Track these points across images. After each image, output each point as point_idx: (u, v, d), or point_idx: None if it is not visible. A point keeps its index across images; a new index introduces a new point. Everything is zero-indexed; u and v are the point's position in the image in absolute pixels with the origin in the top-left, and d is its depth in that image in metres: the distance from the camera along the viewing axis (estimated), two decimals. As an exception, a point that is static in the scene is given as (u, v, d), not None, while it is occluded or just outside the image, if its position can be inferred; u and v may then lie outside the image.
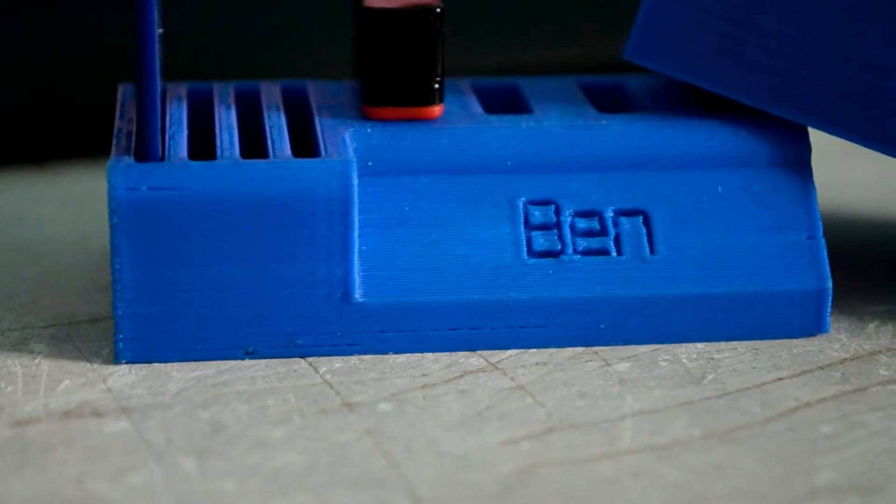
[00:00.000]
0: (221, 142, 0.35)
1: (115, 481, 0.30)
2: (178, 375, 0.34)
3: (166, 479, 0.30)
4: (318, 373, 0.34)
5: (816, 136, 0.37)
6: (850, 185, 0.44)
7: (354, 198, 0.34)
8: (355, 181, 0.34)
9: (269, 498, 0.30)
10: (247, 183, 0.34)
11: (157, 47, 0.34)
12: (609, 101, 0.38)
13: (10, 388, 0.33)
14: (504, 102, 0.38)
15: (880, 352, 0.36)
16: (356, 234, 0.34)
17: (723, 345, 0.36)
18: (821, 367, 0.35)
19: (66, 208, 0.43)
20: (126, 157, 0.34)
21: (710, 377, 0.34)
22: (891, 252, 0.41)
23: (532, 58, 0.49)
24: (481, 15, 0.49)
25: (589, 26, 0.48)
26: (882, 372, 0.35)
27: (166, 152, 0.34)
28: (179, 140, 0.35)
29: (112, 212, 0.33)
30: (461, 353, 0.35)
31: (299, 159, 0.34)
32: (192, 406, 0.33)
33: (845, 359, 0.35)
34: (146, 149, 0.34)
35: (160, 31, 0.36)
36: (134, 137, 0.35)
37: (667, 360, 0.35)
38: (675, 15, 0.36)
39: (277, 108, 0.37)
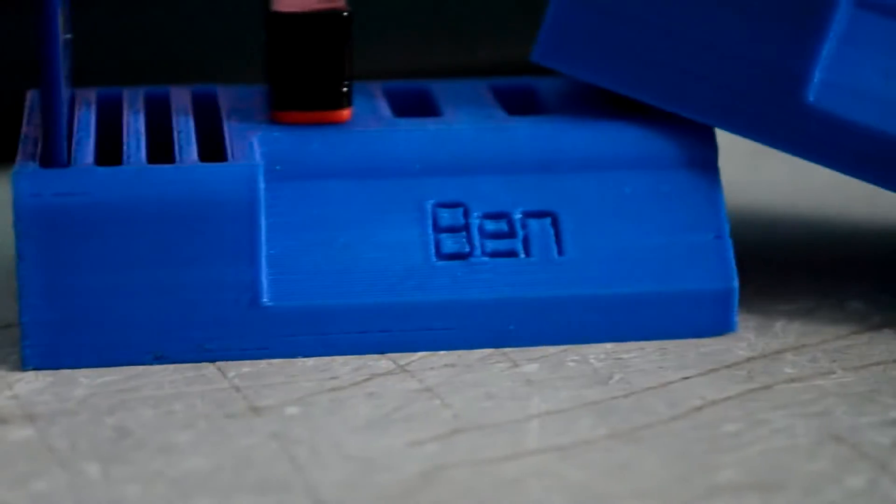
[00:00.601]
0: (128, 147, 0.35)
1: (17, 488, 0.30)
2: (86, 381, 0.34)
3: (69, 484, 0.30)
4: (226, 377, 0.34)
5: (725, 137, 0.37)
6: (759, 185, 0.44)
7: (261, 202, 0.34)
8: (262, 185, 0.34)
9: (171, 503, 0.29)
10: (152, 188, 0.34)
11: (63, 53, 0.34)
12: (519, 104, 0.38)
13: (-85, 396, 0.34)
14: (414, 106, 0.38)
15: (786, 350, 0.36)
16: (263, 238, 0.34)
17: (631, 345, 0.36)
18: (727, 366, 0.35)
19: None
20: (31, 164, 0.34)
21: (617, 377, 0.34)
22: (799, 252, 0.41)
23: (445, 61, 0.49)
24: (393, 17, 0.49)
25: (502, 28, 0.48)
26: (787, 370, 0.35)
27: (72, 158, 0.34)
28: (86, 146, 0.35)
29: (17, 218, 0.33)
30: (370, 356, 0.35)
31: (205, 164, 0.34)
32: (99, 412, 0.33)
33: (752, 357, 0.35)
34: (51, 155, 0.34)
35: (68, 36, 0.36)
36: (40, 143, 0.34)
37: (575, 361, 0.35)
38: (582, 18, 0.36)
39: (186, 113, 0.37)
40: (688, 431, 0.32)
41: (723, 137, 0.37)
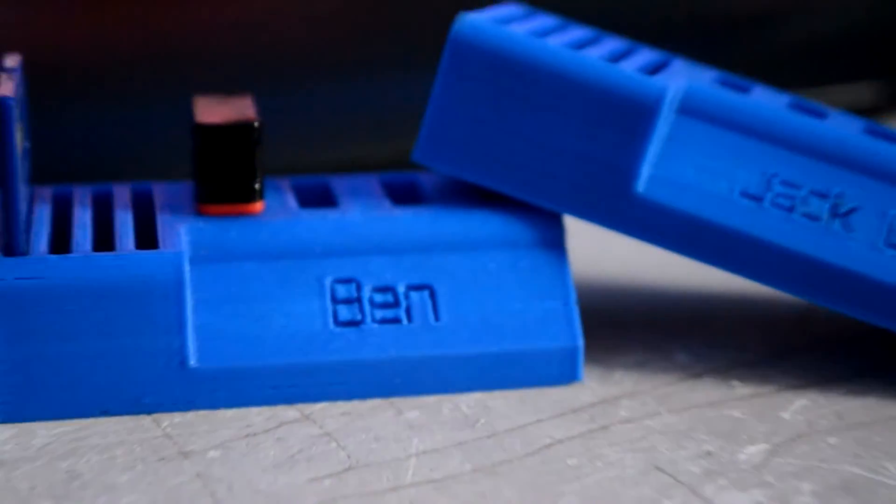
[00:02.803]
0: (76, 237, 0.35)
1: None
2: (43, 432, 0.34)
3: None
4: (160, 427, 0.35)
5: (574, 220, 0.37)
6: (603, 260, 0.44)
7: (186, 282, 0.35)
8: (187, 268, 0.35)
9: None
10: (96, 272, 0.34)
11: (22, 159, 0.34)
12: (404, 194, 0.39)
13: None
14: (317, 196, 0.39)
15: (623, 396, 0.36)
16: (190, 311, 0.35)
17: (497, 394, 0.36)
18: (573, 410, 0.36)
19: None
20: None
21: (482, 421, 0.35)
22: (634, 314, 0.41)
23: (344, 156, 0.50)
24: (300, 121, 0.50)
25: (389, 130, 0.49)
26: (622, 412, 0.36)
27: (30, 247, 0.35)
28: (41, 237, 0.35)
29: None
30: (280, 407, 0.35)
31: (139, 251, 0.35)
32: (54, 458, 0.33)
33: (594, 402, 0.36)
34: (12, 245, 0.34)
35: (26, 144, 0.36)
36: (3, 235, 0.35)
37: (449, 408, 0.36)
38: (452, 127, 0.37)
39: (126, 208, 0.37)
40: (538, 465, 0.33)
41: (573, 221, 0.37)
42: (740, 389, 0.37)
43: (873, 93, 0.61)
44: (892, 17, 0.61)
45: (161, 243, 0.35)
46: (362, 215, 0.37)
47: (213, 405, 0.35)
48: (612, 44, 0.39)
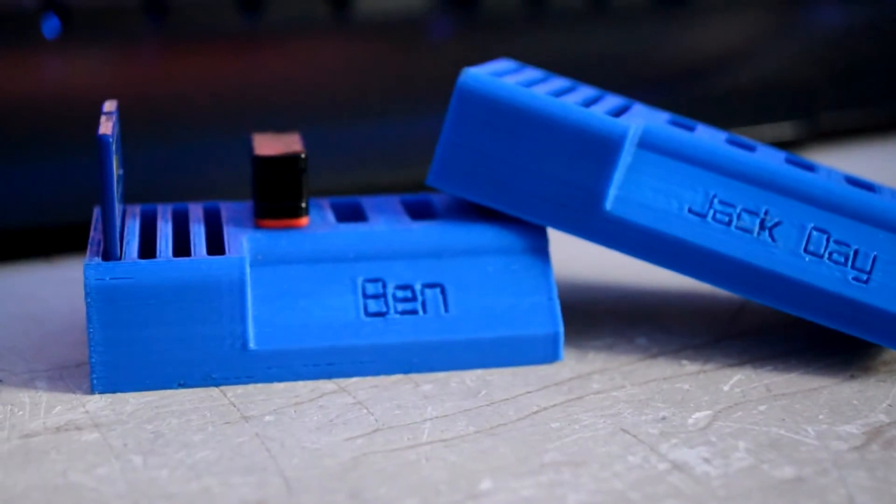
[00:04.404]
0: (160, 246, 0.36)
1: (87, 473, 0.31)
2: (133, 401, 0.34)
3: (122, 469, 0.31)
4: (226, 397, 0.35)
5: (556, 232, 0.37)
6: (580, 263, 0.44)
7: (247, 281, 0.35)
8: (248, 270, 0.35)
9: (188, 481, 0.30)
10: (176, 273, 0.34)
11: (117, 183, 0.34)
12: (420, 211, 0.39)
13: (20, 412, 0.34)
14: (350, 213, 0.39)
15: (595, 372, 0.36)
16: (249, 304, 0.35)
17: (494, 371, 0.36)
18: (555, 384, 0.35)
19: (63, 288, 0.42)
20: (96, 258, 0.34)
21: (483, 392, 0.35)
22: (605, 307, 0.41)
23: (372, 180, 0.49)
24: (337, 154, 0.49)
25: (409, 160, 0.49)
26: (594, 385, 0.35)
27: (123, 254, 0.35)
28: (132, 245, 0.35)
29: (86, 294, 0.34)
30: (321, 381, 0.35)
31: (210, 257, 0.35)
32: (141, 421, 0.33)
33: (571, 377, 0.36)
34: (109, 252, 0.34)
35: (120, 171, 0.36)
36: (101, 244, 0.35)
37: (456, 382, 0.36)
38: (459, 157, 0.37)
39: (199, 222, 0.37)
40: (527, 428, 0.33)
41: (555, 232, 0.37)
42: (689, 367, 0.37)
43: (794, 129, 0.61)
44: (810, 67, 0.61)
45: (227, 250, 0.35)
46: (387, 228, 0.37)
47: (268, 379, 0.35)
48: (585, 91, 0.39)
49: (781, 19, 0.61)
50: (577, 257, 0.44)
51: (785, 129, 0.61)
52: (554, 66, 0.46)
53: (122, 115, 0.39)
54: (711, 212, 0.36)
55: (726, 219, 0.36)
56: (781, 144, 0.60)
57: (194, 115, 0.48)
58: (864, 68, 0.63)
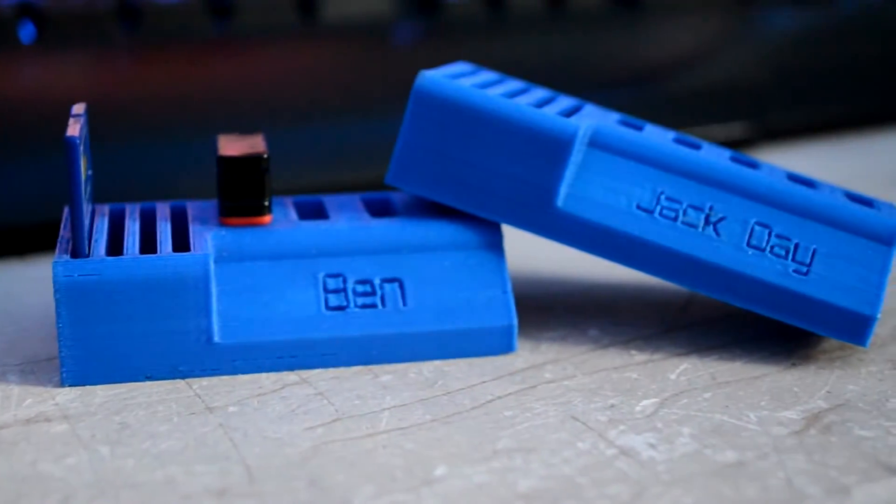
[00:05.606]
0: (127, 243, 0.36)
1: (56, 463, 0.31)
2: (102, 393, 0.34)
3: (89, 459, 0.31)
4: (191, 388, 0.35)
5: (509, 229, 0.37)
6: (535, 258, 0.44)
7: (212, 277, 0.35)
8: (212, 266, 0.35)
9: (153, 470, 0.30)
10: (143, 270, 0.34)
11: (85, 185, 0.34)
12: (379, 209, 0.39)
13: (-9, 405, 0.34)
14: (313, 211, 0.39)
15: (547, 363, 0.36)
16: (214, 299, 0.35)
17: (451, 362, 0.36)
18: (509, 374, 0.36)
19: (36, 285, 0.42)
20: (65, 255, 0.34)
21: (439, 382, 0.35)
22: (558, 300, 0.41)
23: (334, 180, 0.49)
24: (299, 154, 0.49)
25: (369, 159, 0.48)
26: (547, 375, 0.36)
27: (92, 251, 0.35)
28: (101, 243, 0.35)
29: (56, 290, 0.34)
30: (284, 373, 0.35)
31: (176, 254, 0.35)
32: (109, 413, 0.33)
33: (525, 368, 0.36)
34: (77, 249, 0.34)
35: (90, 172, 0.36)
36: (70, 242, 0.35)
37: (414, 373, 0.36)
38: (417, 156, 0.37)
39: (165, 220, 0.37)
40: (481, 416, 0.33)
41: (509, 228, 0.37)
42: (638, 357, 0.37)
43: (743, 129, 0.62)
44: (759, 69, 0.62)
45: (192, 248, 0.35)
46: (347, 225, 0.37)
47: (233, 372, 0.35)
48: (538, 93, 0.40)
49: (732, 23, 0.61)
50: (531, 253, 0.44)
51: (735, 129, 0.61)
52: (514, 68, 0.46)
53: (95, 118, 0.39)
54: (659, 208, 0.36)
55: (673, 214, 0.36)
56: (732, 144, 0.60)
57: (162, 116, 0.48)
58: (811, 70, 0.63)
